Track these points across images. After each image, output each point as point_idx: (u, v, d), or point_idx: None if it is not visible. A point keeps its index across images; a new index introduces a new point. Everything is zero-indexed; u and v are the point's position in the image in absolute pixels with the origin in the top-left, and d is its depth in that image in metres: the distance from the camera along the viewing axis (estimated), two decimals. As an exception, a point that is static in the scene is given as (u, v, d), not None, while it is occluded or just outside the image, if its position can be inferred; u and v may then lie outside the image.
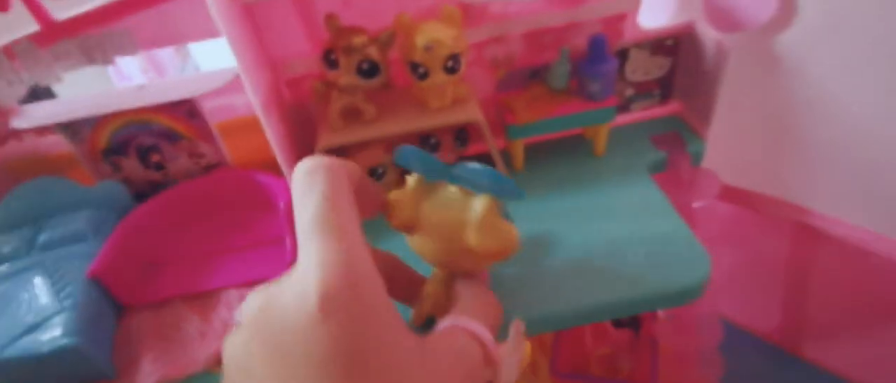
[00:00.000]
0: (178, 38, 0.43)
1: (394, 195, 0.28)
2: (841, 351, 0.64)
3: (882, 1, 0.39)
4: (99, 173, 0.50)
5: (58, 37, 0.41)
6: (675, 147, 0.52)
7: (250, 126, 0.50)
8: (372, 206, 0.29)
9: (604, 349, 0.64)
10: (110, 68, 0.68)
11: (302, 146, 0.50)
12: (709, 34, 0.49)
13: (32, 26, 0.40)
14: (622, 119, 0.56)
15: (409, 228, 0.28)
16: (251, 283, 0.43)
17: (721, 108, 0.50)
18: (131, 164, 0.50)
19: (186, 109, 0.47)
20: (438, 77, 0.41)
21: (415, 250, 0.31)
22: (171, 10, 0.41)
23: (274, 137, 0.42)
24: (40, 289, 0.40)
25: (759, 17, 0.45)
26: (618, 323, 0.67)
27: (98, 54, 0.42)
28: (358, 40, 0.40)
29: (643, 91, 0.55)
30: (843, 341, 0.64)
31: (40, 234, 0.44)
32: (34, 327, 0.38)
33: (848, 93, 0.44)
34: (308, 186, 0.24)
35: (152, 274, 0.45)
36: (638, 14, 0.49)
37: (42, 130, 0.47)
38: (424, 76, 0.42)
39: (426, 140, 0.47)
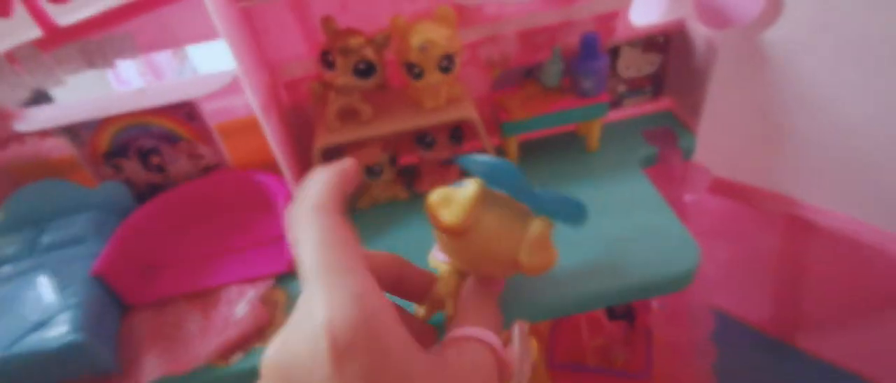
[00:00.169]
0: (177, 41, 0.44)
1: (450, 196, 0.27)
2: (834, 341, 0.65)
3: (861, 1, 0.40)
4: (100, 176, 0.50)
5: (60, 41, 0.42)
6: (666, 142, 0.53)
7: (249, 127, 0.51)
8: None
9: (599, 340, 0.65)
10: (109, 73, 0.68)
11: (300, 147, 0.51)
12: (699, 31, 0.50)
13: (34, 31, 0.41)
14: (615, 115, 0.57)
15: (460, 234, 0.27)
16: (251, 280, 0.44)
17: (711, 104, 0.51)
18: (132, 166, 0.51)
19: (186, 111, 0.48)
20: (433, 76, 0.42)
21: (443, 249, 0.30)
22: (170, 14, 0.42)
23: (273, 138, 0.43)
24: (45, 289, 0.41)
25: (747, 14, 0.45)
26: (612, 315, 0.68)
27: (99, 58, 0.43)
28: (354, 42, 0.41)
29: (635, 87, 0.56)
30: (836, 330, 0.65)
31: (43, 236, 0.45)
32: (40, 325, 0.39)
33: (835, 87, 0.45)
34: (302, 234, 0.24)
35: (154, 274, 0.46)
36: (629, 12, 0.50)
37: (44, 133, 0.48)
38: (419, 76, 0.42)
39: (422, 138, 0.48)
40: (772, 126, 0.50)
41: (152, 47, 0.44)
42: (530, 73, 0.51)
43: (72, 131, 0.47)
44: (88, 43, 0.42)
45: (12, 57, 0.41)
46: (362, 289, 0.22)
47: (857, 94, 0.44)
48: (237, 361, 0.40)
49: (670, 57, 0.54)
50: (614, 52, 0.52)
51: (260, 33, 0.45)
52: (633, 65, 0.54)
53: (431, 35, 0.40)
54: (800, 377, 0.68)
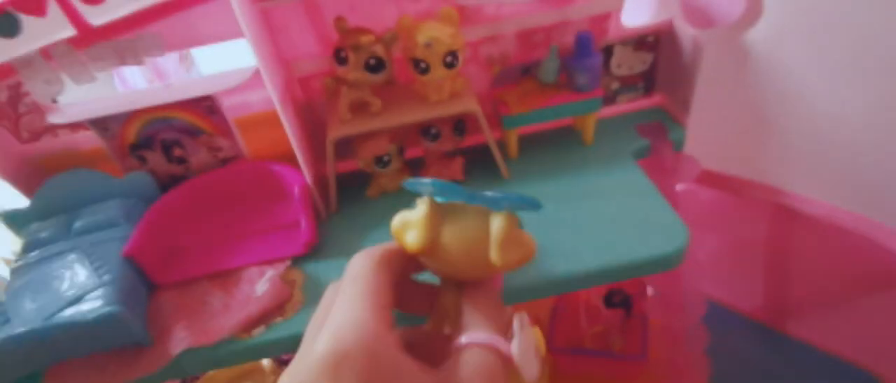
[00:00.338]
0: (201, 40, 0.47)
1: (407, 220, 0.27)
2: (821, 326, 0.68)
3: (836, 1, 0.43)
4: (126, 166, 0.54)
5: (93, 40, 0.45)
6: (657, 135, 0.56)
7: (264, 121, 0.54)
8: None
9: (597, 327, 0.68)
10: (115, 78, 0.71)
11: (313, 139, 0.54)
12: (686, 31, 0.53)
13: (69, 30, 0.45)
14: (609, 111, 0.60)
15: (429, 252, 0.27)
16: (270, 262, 0.47)
17: (699, 99, 0.55)
18: (156, 158, 0.54)
19: (207, 106, 0.51)
20: (438, 72, 0.46)
21: (431, 269, 0.30)
22: (196, 14, 0.45)
23: (290, 130, 0.46)
24: (80, 268, 0.45)
25: (730, 15, 0.49)
26: (610, 304, 0.71)
27: (130, 56, 0.46)
28: (365, 39, 0.44)
29: (628, 84, 0.59)
30: (823, 316, 0.68)
31: (76, 221, 0.49)
32: (77, 299, 0.42)
33: (814, 81, 0.48)
34: (348, 270, 0.27)
35: (178, 256, 0.49)
36: (621, 13, 0.53)
37: (75, 126, 0.51)
38: (425, 71, 0.46)
39: (427, 131, 0.51)
40: (756, 119, 0.53)
41: (178, 46, 0.47)
42: (528, 71, 0.54)
43: (101, 124, 0.50)
44: (120, 42, 0.46)
45: (48, 54, 0.45)
46: (364, 317, 0.23)
47: (834, 88, 0.47)
48: (259, 334, 0.43)
49: (660, 55, 0.57)
50: (607, 51, 0.56)
51: (276, 32, 0.48)
52: (626, 63, 0.57)
53: (436, 33, 0.44)
54: (790, 363, 0.70)
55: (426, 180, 0.26)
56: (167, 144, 0.53)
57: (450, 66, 0.46)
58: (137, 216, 0.49)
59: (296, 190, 0.49)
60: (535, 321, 0.72)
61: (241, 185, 0.53)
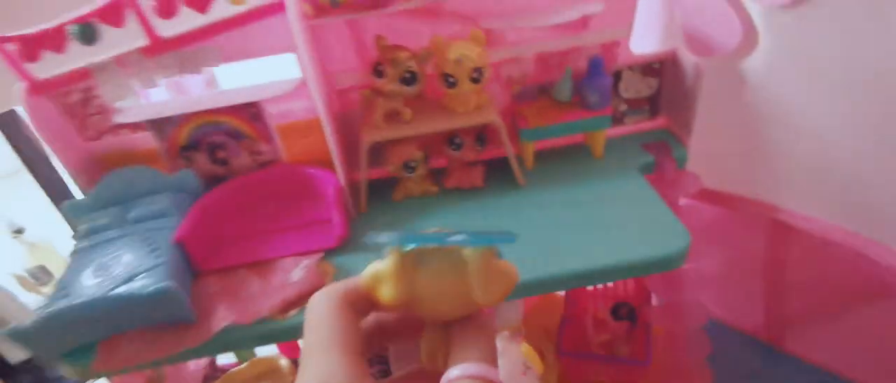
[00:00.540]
0: (255, 53, 0.53)
1: (379, 274, 0.25)
2: (819, 343, 0.71)
3: (824, 32, 0.48)
4: (174, 166, 0.59)
5: (162, 50, 0.51)
6: (662, 152, 0.61)
7: (302, 129, 0.60)
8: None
9: (604, 336, 0.71)
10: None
11: (347, 146, 0.59)
12: (688, 59, 0.58)
13: (142, 40, 0.51)
14: (617, 131, 0.65)
15: (407, 303, 0.25)
16: (303, 253, 0.52)
17: (700, 120, 0.60)
18: (201, 159, 0.59)
19: (252, 112, 0.57)
20: (465, 86, 0.51)
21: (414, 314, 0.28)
22: (251, 29, 0.51)
23: (331, 136, 0.51)
24: (134, 252, 0.49)
25: (729, 44, 0.54)
26: (617, 316, 0.74)
27: (190, 66, 0.52)
28: (402, 55, 0.50)
29: (635, 107, 0.64)
30: (820, 332, 0.71)
31: (130, 211, 0.53)
32: (131, 278, 0.46)
33: (805, 105, 0.53)
34: (308, 313, 0.25)
35: (221, 246, 0.54)
36: (630, 41, 0.59)
37: (135, 127, 0.56)
38: (454, 85, 0.51)
39: (452, 140, 0.56)
40: (753, 140, 0.58)
41: (234, 57, 0.53)
42: (545, 90, 0.59)
43: (158, 125, 0.56)
44: (184, 52, 0.51)
45: (122, 61, 0.51)
46: (334, 372, 0.22)
47: (825, 111, 0.52)
48: (293, 316, 0.47)
49: (665, 81, 0.62)
50: (617, 76, 0.61)
51: (321, 47, 0.54)
52: (633, 87, 0.63)
53: (466, 51, 0.49)
54: (789, 379, 0.73)
55: (385, 236, 0.24)
56: (212, 147, 0.59)
57: (476, 81, 0.51)
58: (185, 209, 0.54)
59: (330, 189, 0.54)
60: (545, 329, 0.75)
61: (279, 186, 0.58)
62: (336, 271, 0.51)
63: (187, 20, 0.50)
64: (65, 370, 0.47)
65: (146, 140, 0.57)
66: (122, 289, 0.45)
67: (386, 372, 0.70)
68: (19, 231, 1.62)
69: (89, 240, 0.52)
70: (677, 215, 0.60)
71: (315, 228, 0.55)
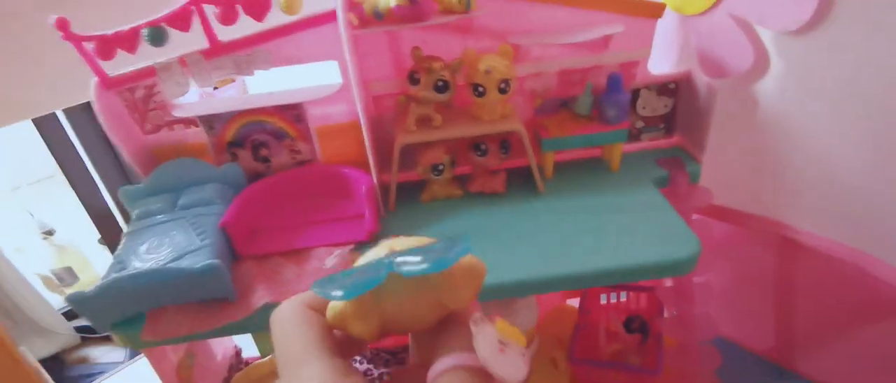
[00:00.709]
0: (302, 59, 0.58)
1: (343, 314, 0.24)
2: (830, 364, 0.72)
3: (832, 56, 0.52)
4: (220, 160, 0.64)
5: (220, 53, 0.56)
6: (675, 167, 0.64)
7: (338, 132, 0.64)
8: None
9: (615, 346, 0.73)
10: None
11: (379, 149, 0.63)
12: (702, 79, 0.62)
13: (203, 43, 0.56)
14: (633, 147, 0.69)
15: (383, 332, 0.25)
16: (336, 245, 0.56)
17: (713, 139, 0.63)
18: (245, 155, 0.64)
19: (296, 114, 0.62)
20: (493, 95, 0.55)
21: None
22: (302, 36, 0.57)
23: (369, 138, 0.56)
24: (183, 234, 0.53)
25: (740, 67, 0.58)
26: (629, 329, 0.76)
27: (244, 68, 0.57)
28: (436, 65, 0.55)
29: (651, 124, 0.68)
30: (830, 354, 0.72)
31: (180, 198, 0.58)
32: (182, 255, 0.50)
33: (814, 125, 0.56)
34: (275, 325, 0.25)
35: (260, 234, 0.58)
36: (648, 61, 0.63)
37: (188, 123, 0.62)
38: (482, 94, 0.56)
39: (477, 146, 0.60)
40: (764, 159, 0.61)
41: (285, 62, 0.58)
42: (566, 104, 0.64)
43: (210, 121, 0.61)
44: (239, 55, 0.57)
45: (183, 62, 0.56)
46: (316, 378, 0.22)
47: (833, 133, 0.55)
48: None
49: (680, 100, 0.66)
50: (635, 94, 0.65)
51: (361, 56, 0.59)
52: (649, 105, 0.66)
53: (495, 63, 0.54)
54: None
55: (337, 291, 0.23)
56: (257, 144, 0.64)
57: (503, 91, 0.55)
58: (230, 199, 0.59)
59: (363, 188, 0.58)
60: (558, 337, 0.78)
61: (316, 183, 0.63)
62: (366, 261, 0.54)
63: (244, 27, 0.55)
64: (115, 338, 0.51)
65: (197, 135, 0.62)
66: (174, 265, 0.49)
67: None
68: (50, 232, 1.69)
69: (142, 223, 0.56)
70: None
71: (348, 223, 0.59)
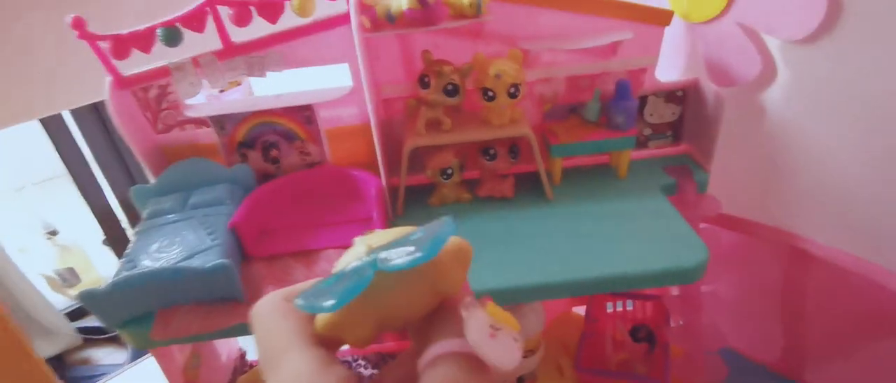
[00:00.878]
0: (314, 61, 0.59)
1: (333, 323, 0.23)
2: (839, 377, 0.71)
3: (839, 65, 0.52)
4: (231, 161, 0.64)
5: (233, 54, 0.57)
6: (683, 175, 0.64)
7: (350, 134, 0.65)
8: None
9: (622, 355, 0.73)
10: None
11: (388, 152, 0.64)
12: (710, 87, 0.63)
13: (217, 44, 0.57)
14: (640, 154, 0.69)
15: (378, 333, 0.24)
16: (345, 247, 0.56)
17: (721, 147, 0.63)
18: (255, 156, 0.64)
19: (306, 116, 0.62)
20: (502, 100, 0.56)
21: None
22: (316, 39, 0.57)
23: (378, 141, 0.56)
24: (193, 233, 0.54)
25: (747, 76, 0.59)
26: (636, 338, 0.76)
27: (257, 69, 0.58)
28: (447, 68, 0.55)
29: (658, 132, 0.68)
30: (840, 367, 0.71)
31: (191, 198, 0.58)
32: (192, 255, 0.51)
33: (823, 134, 0.56)
34: (255, 319, 0.25)
35: (269, 235, 0.58)
36: (656, 68, 0.63)
37: (199, 123, 0.62)
38: (492, 99, 0.56)
39: (486, 151, 0.61)
40: (772, 168, 0.61)
41: (297, 64, 0.59)
42: (574, 110, 0.64)
43: (221, 122, 0.61)
44: (252, 57, 0.57)
45: (197, 62, 0.57)
46: (299, 371, 0.21)
47: (843, 141, 0.55)
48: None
49: (687, 108, 0.67)
50: (642, 101, 0.66)
51: (373, 59, 0.59)
52: (657, 112, 0.67)
53: (505, 67, 0.54)
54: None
55: (328, 302, 0.22)
56: (267, 146, 0.64)
57: (512, 96, 0.56)
58: (239, 199, 0.59)
59: (372, 190, 0.59)
60: (564, 344, 0.77)
61: (325, 185, 0.63)
62: (374, 263, 0.55)
63: (258, 29, 0.56)
64: (124, 337, 0.51)
65: (207, 135, 0.63)
66: (184, 264, 0.49)
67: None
68: (53, 233, 1.69)
69: (153, 222, 0.56)
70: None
71: (356, 225, 0.59)
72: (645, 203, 0.60)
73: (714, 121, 0.63)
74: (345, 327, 0.23)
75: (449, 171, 0.60)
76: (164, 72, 0.57)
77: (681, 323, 0.68)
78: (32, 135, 1.21)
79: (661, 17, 0.59)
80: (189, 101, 0.60)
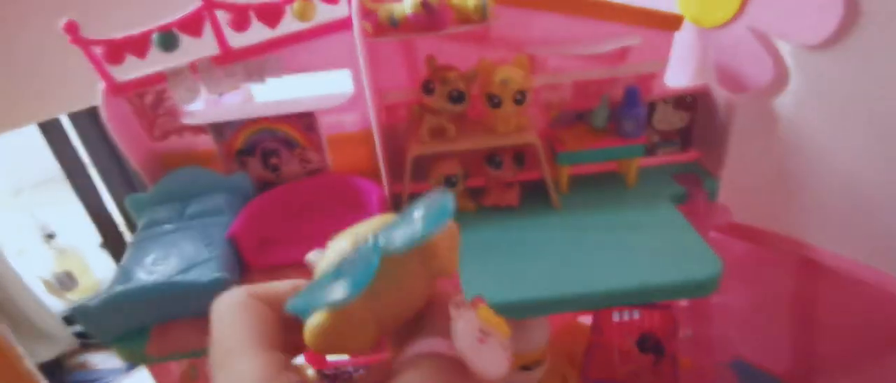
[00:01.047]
0: (315, 66, 0.57)
1: (337, 329, 0.20)
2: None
3: (853, 72, 0.51)
4: (229, 169, 0.63)
5: (231, 59, 0.55)
6: (693, 183, 0.63)
7: (351, 141, 0.63)
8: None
9: (629, 366, 0.71)
10: None
11: (391, 159, 0.62)
12: (720, 94, 0.61)
13: (214, 49, 0.55)
14: (649, 161, 0.67)
15: (379, 336, 0.22)
16: (347, 258, 0.54)
17: (731, 155, 0.62)
18: (254, 164, 0.63)
19: (306, 123, 0.61)
20: (508, 106, 0.54)
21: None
22: (317, 44, 0.56)
23: (381, 148, 0.55)
24: (191, 244, 0.52)
25: (759, 82, 0.57)
26: (643, 349, 0.75)
27: (256, 75, 0.56)
28: (451, 74, 0.54)
29: (667, 139, 0.67)
30: (852, 378, 0.70)
31: (188, 207, 0.57)
32: (190, 267, 0.49)
33: (835, 142, 0.55)
34: (215, 314, 0.23)
35: (268, 246, 0.57)
36: (665, 75, 0.62)
37: (197, 130, 0.61)
38: (498, 105, 0.54)
39: (491, 159, 0.59)
40: (783, 176, 0.60)
41: (297, 70, 0.57)
42: (582, 117, 0.62)
43: (219, 129, 0.60)
44: (251, 62, 0.56)
45: (194, 67, 0.55)
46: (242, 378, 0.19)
47: (854, 150, 0.54)
48: (336, 313, 0.49)
49: (697, 115, 0.65)
50: (651, 108, 0.64)
51: (375, 64, 0.58)
52: (666, 119, 0.65)
53: (511, 73, 0.53)
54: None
55: (334, 295, 0.19)
56: (266, 153, 0.62)
57: (519, 102, 0.54)
58: (238, 209, 0.57)
59: (375, 198, 0.57)
60: (569, 355, 0.76)
61: (326, 193, 0.61)
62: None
63: (256, 34, 0.54)
64: (118, 353, 0.50)
65: (205, 142, 0.61)
66: (179, 277, 0.48)
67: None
68: (50, 236, 1.68)
69: (149, 232, 0.55)
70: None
71: (358, 234, 0.57)
72: (654, 212, 0.58)
73: (725, 129, 0.61)
74: (344, 332, 0.20)
75: (453, 180, 0.59)
76: (160, 77, 0.56)
77: (690, 333, 0.67)
78: (30, 137, 1.20)
79: (671, 22, 0.57)
80: (188, 108, 0.59)
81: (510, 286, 0.50)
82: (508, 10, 0.55)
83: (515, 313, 0.49)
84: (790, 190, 0.60)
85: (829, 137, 0.55)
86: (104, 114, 0.55)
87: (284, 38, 0.55)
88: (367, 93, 0.52)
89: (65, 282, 1.67)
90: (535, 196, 0.62)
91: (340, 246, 0.22)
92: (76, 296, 1.63)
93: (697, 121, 0.65)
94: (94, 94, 0.55)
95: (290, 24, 0.54)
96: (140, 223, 0.57)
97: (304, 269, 0.56)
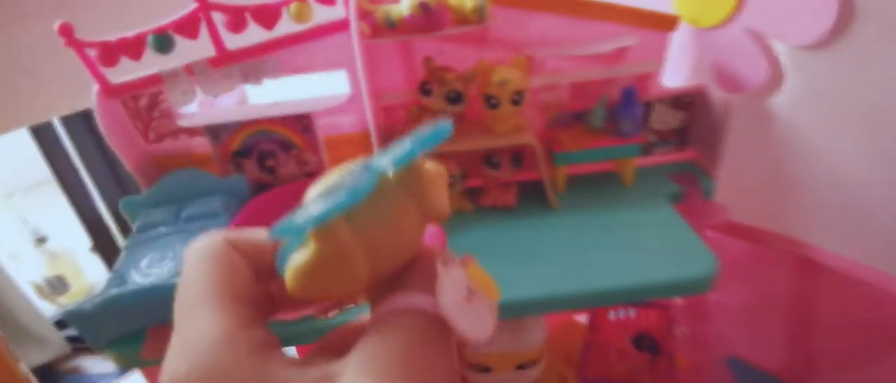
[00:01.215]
0: (312, 68, 0.57)
1: (310, 265, 0.18)
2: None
3: (848, 71, 0.51)
4: (226, 171, 0.62)
5: (227, 61, 0.55)
6: (689, 182, 0.63)
7: (348, 142, 0.63)
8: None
9: (626, 365, 0.72)
10: None
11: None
12: (717, 94, 0.61)
13: (210, 51, 0.55)
14: (645, 161, 0.68)
15: (371, 279, 0.19)
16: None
17: (728, 155, 0.62)
18: (250, 166, 0.62)
19: (303, 124, 0.60)
20: (506, 107, 0.54)
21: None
22: (314, 45, 0.55)
23: (378, 149, 0.55)
24: (186, 247, 0.52)
25: (755, 82, 0.57)
26: (639, 347, 0.75)
27: (253, 77, 0.56)
28: (449, 75, 0.53)
29: (664, 138, 0.67)
30: (849, 377, 0.70)
31: (184, 210, 0.56)
32: (186, 271, 0.49)
33: (831, 140, 0.55)
34: (187, 257, 0.21)
35: (265, 248, 0.56)
36: (661, 75, 0.62)
37: (193, 132, 0.60)
38: (495, 106, 0.54)
39: (489, 159, 0.59)
40: (780, 175, 0.60)
41: (295, 71, 0.57)
42: (579, 117, 0.62)
43: (215, 131, 0.59)
44: (247, 64, 0.56)
45: (189, 69, 0.55)
46: (194, 335, 0.18)
47: (850, 149, 0.54)
48: (335, 316, 0.49)
49: (693, 114, 0.65)
50: (648, 108, 0.64)
51: (373, 66, 0.58)
52: (662, 119, 0.66)
53: (509, 74, 0.53)
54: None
55: (315, 210, 0.18)
56: (263, 155, 0.62)
57: (516, 103, 0.54)
58: (234, 211, 0.57)
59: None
60: (566, 354, 0.76)
61: (323, 194, 0.61)
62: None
63: (253, 35, 0.54)
64: (112, 358, 0.49)
65: (201, 145, 0.61)
66: (175, 280, 0.47)
67: None
68: (42, 240, 1.66)
69: (144, 235, 0.54)
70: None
71: (355, 236, 0.57)
72: (651, 211, 0.58)
73: (721, 128, 0.61)
74: (332, 264, 0.18)
75: (451, 181, 0.59)
76: (155, 80, 0.55)
77: (686, 331, 0.67)
78: (21, 140, 1.19)
79: (668, 23, 0.58)
80: (182, 110, 0.58)
81: (508, 285, 0.49)
82: (506, 11, 0.55)
83: (512, 312, 0.49)
84: (786, 189, 0.60)
85: (825, 136, 0.55)
86: (98, 117, 0.54)
87: (281, 39, 0.55)
88: (365, 94, 0.52)
89: (56, 286, 1.65)
90: (533, 196, 0.62)
91: (329, 178, 0.21)
92: (68, 300, 1.62)
93: (694, 121, 0.66)
94: (88, 97, 0.54)
95: (286, 25, 0.54)
96: (135, 226, 0.56)
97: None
